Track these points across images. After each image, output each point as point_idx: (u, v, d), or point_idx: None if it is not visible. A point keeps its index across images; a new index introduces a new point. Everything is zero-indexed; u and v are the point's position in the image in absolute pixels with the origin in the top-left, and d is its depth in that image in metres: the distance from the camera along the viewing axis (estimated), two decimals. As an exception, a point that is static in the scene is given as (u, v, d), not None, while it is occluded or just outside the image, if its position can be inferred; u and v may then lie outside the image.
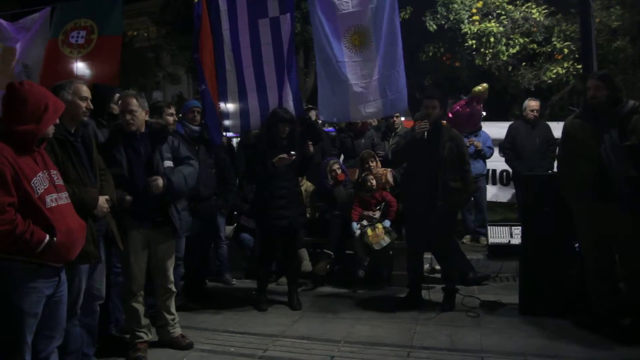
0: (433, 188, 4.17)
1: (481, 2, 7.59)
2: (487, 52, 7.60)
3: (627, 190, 3.36)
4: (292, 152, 4.28)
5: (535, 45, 7.72)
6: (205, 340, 3.80)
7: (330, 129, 8.60)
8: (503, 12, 7.62)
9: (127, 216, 3.40)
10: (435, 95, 4.42)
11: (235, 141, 7.39)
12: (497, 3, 7.57)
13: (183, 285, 4.64)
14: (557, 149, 5.40)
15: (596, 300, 3.73)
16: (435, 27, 7.82)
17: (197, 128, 4.77)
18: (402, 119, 6.61)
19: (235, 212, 5.86)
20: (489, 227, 5.88)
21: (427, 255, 4.87)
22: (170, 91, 19.43)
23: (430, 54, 8.53)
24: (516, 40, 7.56)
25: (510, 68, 8.12)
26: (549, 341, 3.54)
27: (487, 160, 6.46)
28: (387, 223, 4.98)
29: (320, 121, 5.56)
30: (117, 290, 3.69)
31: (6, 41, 5.99)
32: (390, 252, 5.11)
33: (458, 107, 5.42)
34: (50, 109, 2.41)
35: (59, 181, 2.50)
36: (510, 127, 6.22)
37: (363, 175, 5.18)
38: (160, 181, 3.39)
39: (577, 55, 7.36)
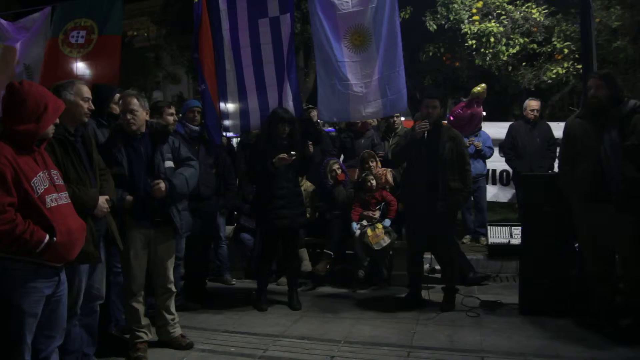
0: (433, 188, 4.18)
1: (481, 2, 7.58)
2: (487, 52, 7.59)
3: (625, 190, 3.36)
4: (292, 152, 4.28)
5: (535, 45, 7.71)
6: (205, 340, 3.80)
7: (330, 129, 8.60)
8: (503, 12, 7.61)
9: (128, 216, 3.40)
10: (435, 95, 4.43)
11: (235, 141, 7.39)
12: (497, 3, 7.56)
13: (183, 285, 4.64)
14: (558, 149, 5.42)
15: (596, 300, 3.73)
16: (435, 27, 7.82)
17: (197, 128, 4.77)
18: (402, 119, 6.61)
19: (235, 212, 5.86)
20: (489, 227, 5.89)
21: (427, 255, 4.87)
22: (170, 91, 19.46)
23: (430, 54, 8.53)
24: (516, 40, 7.55)
25: (510, 68, 8.12)
26: (549, 341, 3.54)
27: (487, 160, 6.46)
28: (388, 223, 4.98)
29: (319, 121, 5.55)
30: (117, 290, 3.69)
31: (6, 41, 5.98)
32: (390, 252, 5.11)
33: (459, 110, 5.42)
34: (50, 109, 2.41)
35: (59, 181, 2.50)
36: (510, 127, 6.22)
37: (363, 175, 5.18)
38: (162, 185, 3.40)
39: (577, 56, 7.36)
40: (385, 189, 5.18)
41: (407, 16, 7.73)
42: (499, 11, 7.64)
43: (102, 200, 2.91)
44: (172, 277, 3.68)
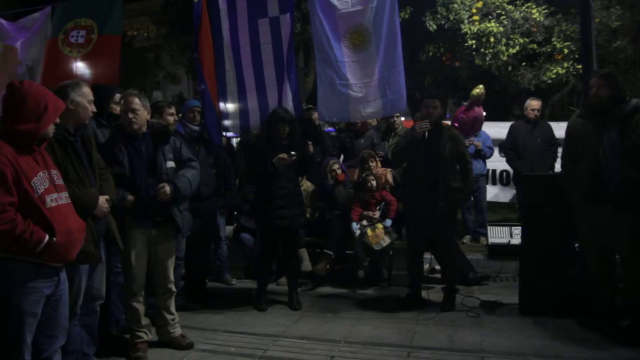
0: (434, 188, 4.18)
1: (481, 2, 7.58)
2: (487, 52, 7.58)
3: (624, 190, 3.36)
4: (292, 152, 4.28)
5: (535, 46, 7.70)
6: (205, 340, 3.80)
7: (330, 129, 8.60)
8: (503, 12, 7.61)
9: (128, 216, 3.40)
10: (436, 95, 4.42)
11: (235, 141, 7.39)
12: (497, 3, 7.56)
13: (183, 285, 4.64)
14: (559, 149, 5.41)
15: (596, 300, 3.73)
16: (435, 27, 7.81)
17: (197, 128, 4.77)
18: (402, 119, 6.61)
19: (235, 212, 5.86)
20: (489, 227, 5.89)
21: (427, 255, 4.87)
22: (170, 91, 19.47)
23: (430, 54, 8.52)
24: (516, 40, 7.55)
25: (510, 68, 8.11)
26: (549, 341, 3.54)
27: (487, 160, 6.46)
28: (388, 223, 4.98)
29: (319, 122, 5.55)
30: (117, 290, 3.69)
31: (6, 40, 5.98)
32: (390, 252, 5.11)
33: (462, 115, 5.40)
34: (50, 109, 2.41)
35: (59, 181, 2.50)
36: (511, 126, 6.22)
37: (363, 175, 5.18)
38: (167, 188, 3.41)
39: (577, 56, 7.36)
40: (385, 189, 5.17)
41: (407, 16, 7.72)
42: (499, 11, 7.63)
43: (102, 200, 2.91)
44: (172, 277, 3.68)
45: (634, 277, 3.52)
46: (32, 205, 2.28)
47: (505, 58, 7.67)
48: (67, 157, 2.80)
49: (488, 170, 6.70)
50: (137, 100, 3.44)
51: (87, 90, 3.01)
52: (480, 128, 6.18)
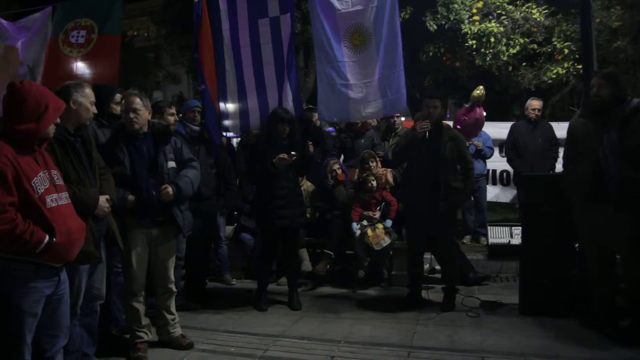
0: (434, 188, 4.18)
1: (481, 2, 7.57)
2: (487, 52, 7.58)
3: (624, 190, 3.36)
4: (292, 153, 4.28)
5: (535, 46, 7.70)
6: (205, 340, 3.80)
7: (330, 129, 8.59)
8: (503, 12, 7.60)
9: (129, 215, 3.41)
10: (436, 95, 4.42)
11: (235, 141, 7.39)
12: (498, 3, 7.55)
13: (183, 285, 4.64)
14: (561, 149, 5.40)
15: (596, 300, 3.73)
16: (435, 27, 7.80)
17: (197, 128, 4.78)
18: (402, 119, 6.61)
19: (235, 212, 5.86)
20: (489, 228, 5.89)
21: (427, 255, 4.86)
22: (170, 91, 19.46)
23: (431, 54, 8.51)
24: (516, 41, 7.54)
25: (510, 68, 8.12)
26: (549, 341, 3.54)
27: (487, 161, 6.46)
28: (389, 223, 4.98)
29: (320, 122, 5.55)
30: (117, 290, 3.69)
31: (6, 40, 5.98)
32: (391, 253, 5.11)
33: (465, 117, 5.39)
34: (51, 109, 2.41)
35: (60, 181, 2.50)
36: (512, 126, 6.21)
37: (364, 175, 5.18)
38: (170, 190, 3.43)
39: (577, 56, 7.36)
40: (386, 189, 5.18)
41: (407, 16, 7.72)
42: (499, 11, 7.63)
43: (103, 200, 2.92)
44: (172, 277, 3.68)
45: (635, 277, 3.52)
46: (33, 206, 2.28)
47: (505, 58, 7.67)
48: (67, 157, 2.80)
49: (488, 170, 6.70)
50: (138, 100, 3.45)
51: (89, 91, 3.03)
52: (481, 129, 6.18)
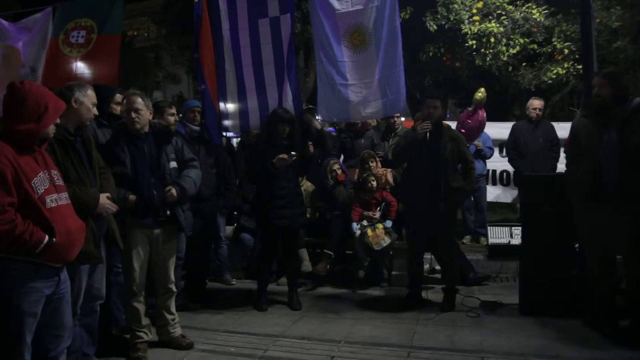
0: (434, 188, 4.18)
1: (481, 3, 7.58)
2: (487, 52, 7.59)
3: (624, 190, 3.36)
4: (293, 153, 4.28)
5: (535, 46, 7.71)
6: (205, 340, 3.80)
7: (330, 129, 8.60)
8: (503, 13, 7.61)
9: (129, 215, 3.41)
10: (437, 95, 4.42)
11: (235, 141, 7.39)
12: (498, 3, 7.56)
13: (183, 285, 4.64)
14: (562, 149, 5.40)
15: (596, 300, 3.73)
16: (435, 27, 7.81)
17: (197, 128, 4.78)
18: (402, 119, 6.61)
19: (235, 212, 5.86)
20: (489, 228, 5.89)
21: (427, 255, 4.86)
22: (170, 91, 19.47)
23: (431, 54, 8.52)
24: (516, 41, 7.55)
25: (510, 68, 8.12)
26: (549, 341, 3.54)
27: (487, 161, 6.46)
28: (389, 224, 4.99)
29: (320, 121, 5.55)
30: (117, 290, 3.69)
31: (7, 40, 5.98)
32: (391, 253, 5.11)
33: (468, 120, 5.39)
34: (51, 109, 2.41)
35: (60, 181, 2.50)
36: (513, 126, 6.20)
37: (364, 175, 5.18)
38: (174, 191, 3.44)
39: (577, 56, 7.36)
40: (386, 189, 5.18)
41: (407, 16, 7.72)
42: (499, 11, 7.64)
43: (104, 198, 2.91)
44: (173, 277, 3.68)
45: (636, 278, 3.52)
46: (32, 206, 2.28)
47: (505, 58, 7.67)
48: (67, 157, 2.80)
49: (488, 170, 6.69)
50: (139, 100, 3.45)
51: (92, 93, 3.05)
52: (483, 130, 6.18)
